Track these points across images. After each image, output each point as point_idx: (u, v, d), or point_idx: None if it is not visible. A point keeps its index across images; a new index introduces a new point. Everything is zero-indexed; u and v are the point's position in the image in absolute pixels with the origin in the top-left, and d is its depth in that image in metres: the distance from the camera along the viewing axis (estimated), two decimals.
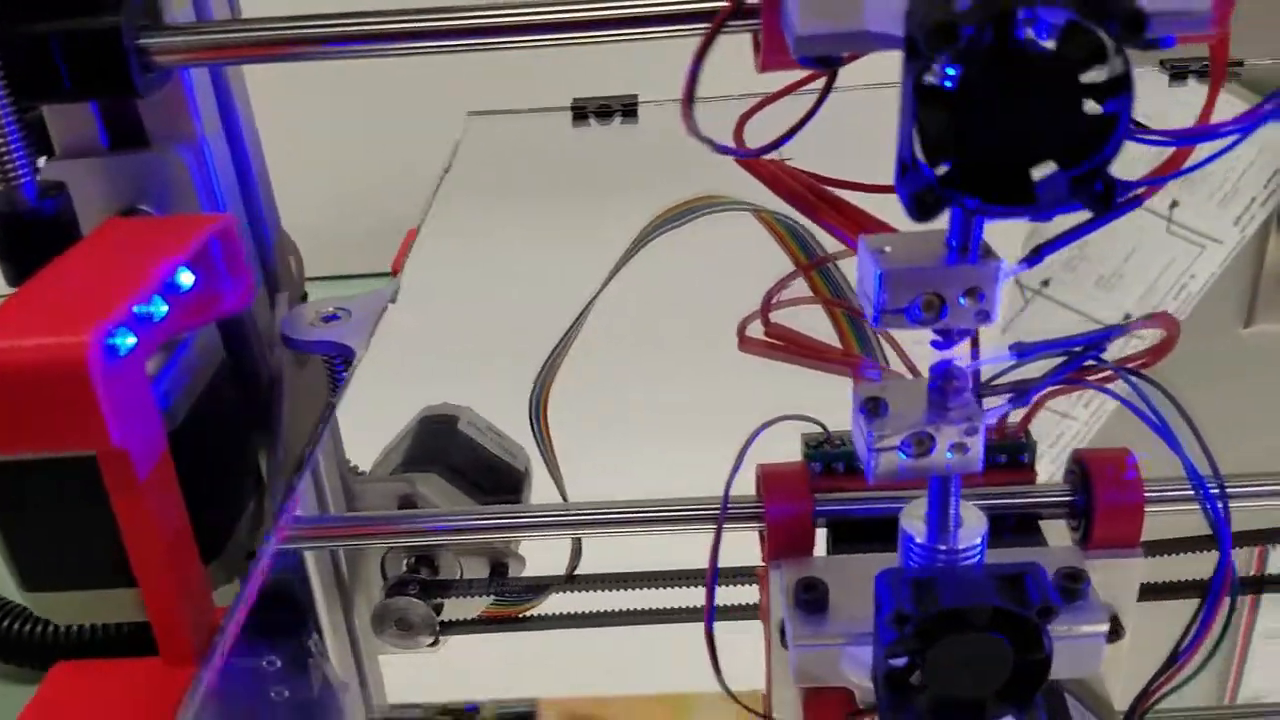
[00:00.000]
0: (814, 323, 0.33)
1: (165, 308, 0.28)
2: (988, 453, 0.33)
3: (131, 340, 0.26)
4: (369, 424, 0.42)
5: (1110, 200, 0.21)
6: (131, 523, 0.27)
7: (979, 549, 0.28)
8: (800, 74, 0.28)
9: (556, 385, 0.39)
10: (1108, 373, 0.32)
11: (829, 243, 0.33)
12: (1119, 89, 0.20)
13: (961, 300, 0.24)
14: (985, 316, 0.24)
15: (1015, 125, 0.20)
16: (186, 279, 0.29)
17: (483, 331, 0.46)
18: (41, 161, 0.34)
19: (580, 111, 0.56)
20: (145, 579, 0.27)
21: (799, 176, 0.30)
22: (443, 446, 0.42)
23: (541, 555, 0.38)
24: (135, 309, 0.26)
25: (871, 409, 0.26)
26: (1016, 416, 0.33)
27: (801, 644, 0.30)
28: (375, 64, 0.70)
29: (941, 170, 0.21)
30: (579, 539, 0.37)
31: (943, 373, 0.26)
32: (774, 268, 0.35)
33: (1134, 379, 0.32)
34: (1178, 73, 0.53)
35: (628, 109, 0.55)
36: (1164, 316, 0.33)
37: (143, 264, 0.28)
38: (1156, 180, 0.26)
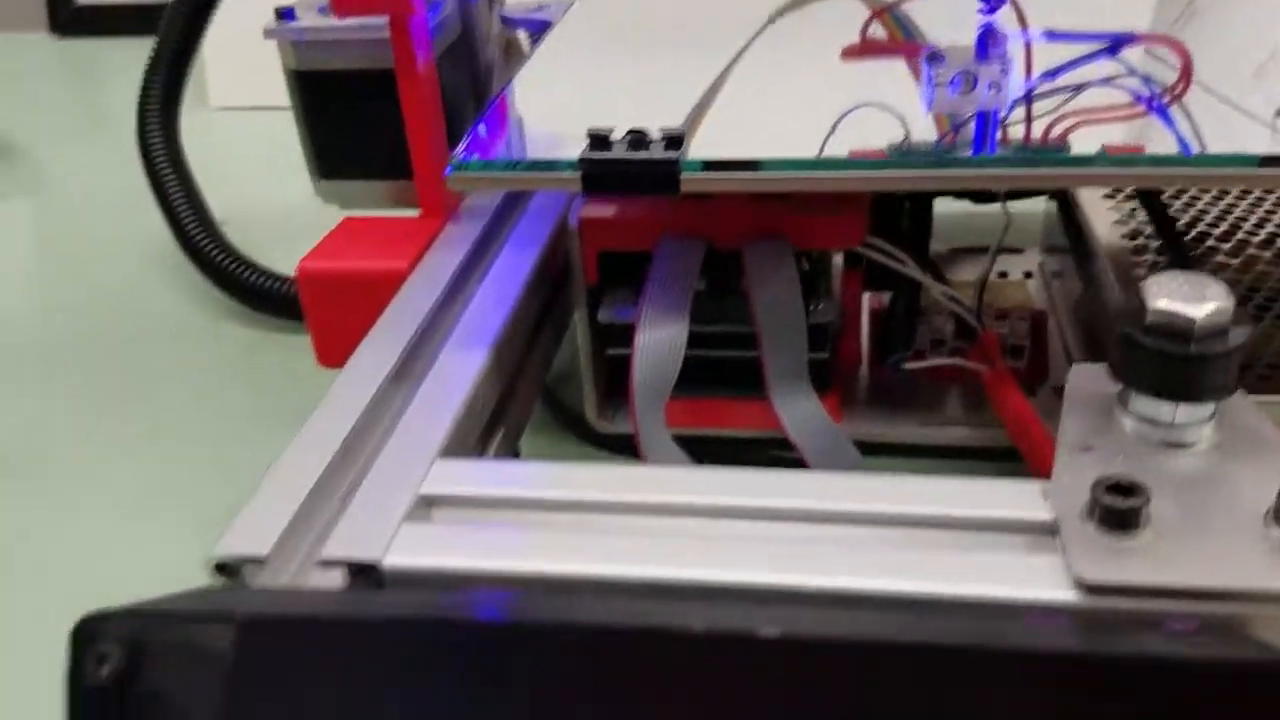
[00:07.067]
0: None
1: None
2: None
3: None
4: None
5: None
6: (410, 99, 0.38)
7: None
8: None
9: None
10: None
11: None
12: None
13: None
14: None
15: None
16: None
17: (639, 76, 0.54)
18: None
19: None
20: (415, 143, 0.39)
21: None
22: None
23: None
24: None
25: (934, 59, 0.36)
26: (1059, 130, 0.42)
27: None
28: None
29: None
30: None
31: (987, 31, 0.36)
32: None
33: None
34: None
35: None
36: (1174, 40, 0.41)
37: None
38: None
